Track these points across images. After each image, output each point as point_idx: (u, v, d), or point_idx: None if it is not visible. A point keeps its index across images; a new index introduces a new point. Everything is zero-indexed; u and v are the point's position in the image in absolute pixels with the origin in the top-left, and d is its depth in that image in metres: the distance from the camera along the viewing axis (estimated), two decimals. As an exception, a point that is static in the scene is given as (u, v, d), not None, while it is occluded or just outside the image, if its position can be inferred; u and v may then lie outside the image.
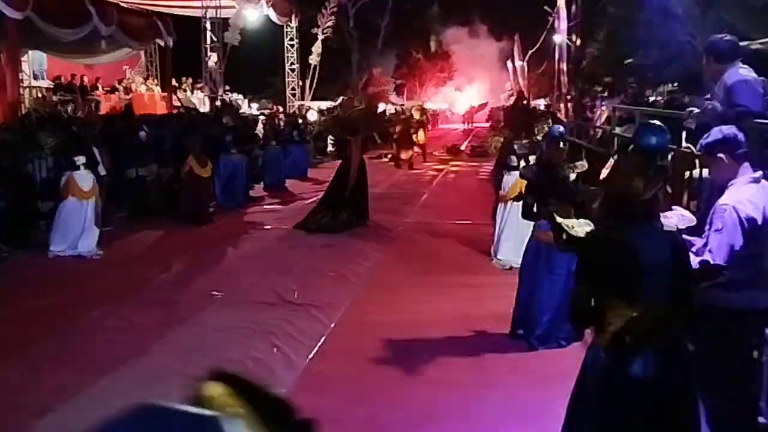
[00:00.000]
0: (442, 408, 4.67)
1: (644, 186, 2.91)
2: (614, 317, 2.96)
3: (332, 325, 6.32)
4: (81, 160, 9.08)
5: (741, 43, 5.30)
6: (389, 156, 21.01)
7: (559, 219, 3.97)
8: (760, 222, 3.58)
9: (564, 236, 3.30)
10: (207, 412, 0.88)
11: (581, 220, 3.27)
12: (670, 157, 5.74)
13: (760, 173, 3.80)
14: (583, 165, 6.47)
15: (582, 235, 3.14)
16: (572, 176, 6.09)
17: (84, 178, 9.09)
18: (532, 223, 5.91)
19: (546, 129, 8.04)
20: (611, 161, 3.45)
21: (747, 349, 3.94)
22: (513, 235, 8.09)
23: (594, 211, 3.30)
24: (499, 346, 5.77)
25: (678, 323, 3.01)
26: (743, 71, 4.96)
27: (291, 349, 5.71)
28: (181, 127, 12.50)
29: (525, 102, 18.62)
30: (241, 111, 21.99)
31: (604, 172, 3.33)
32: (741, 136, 3.86)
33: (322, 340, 5.94)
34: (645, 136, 3.23)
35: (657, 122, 3.68)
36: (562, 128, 6.65)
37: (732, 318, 3.68)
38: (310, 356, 5.58)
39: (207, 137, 12.37)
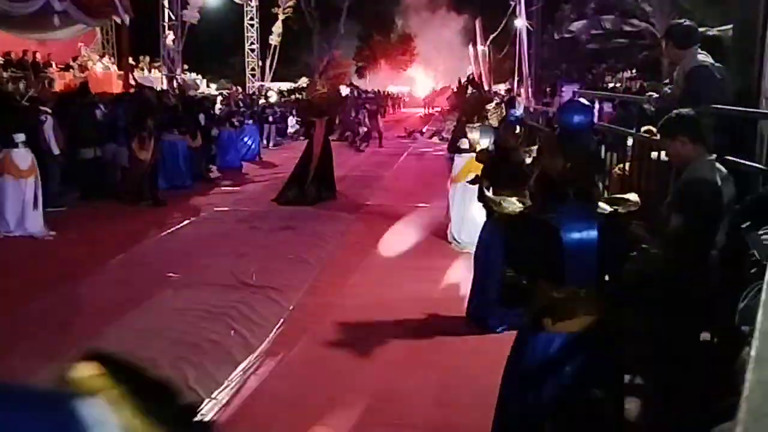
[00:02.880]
0: (402, 391, 4.66)
1: (564, 164, 2.84)
2: (538, 298, 2.94)
3: (291, 308, 6.27)
4: (20, 137, 8.80)
5: (699, 29, 5.35)
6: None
7: (487, 194, 3.95)
8: (716, 204, 3.63)
9: (495, 213, 3.24)
10: (63, 392, 0.79)
11: (513, 198, 3.19)
12: (630, 141, 5.80)
13: (714, 156, 3.86)
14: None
15: (508, 211, 3.07)
16: (528, 160, 6.11)
17: (21, 157, 8.82)
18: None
19: (500, 114, 8.09)
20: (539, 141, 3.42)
21: (693, 331, 4.00)
22: (468, 217, 8.12)
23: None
24: (459, 328, 5.77)
25: (602, 307, 2.93)
26: (701, 56, 5.01)
27: (249, 332, 5.64)
28: (135, 107, 12.21)
29: (478, 86, 18.72)
30: (200, 91, 21.67)
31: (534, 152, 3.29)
32: (699, 119, 3.90)
33: (281, 322, 5.89)
34: (566, 113, 3.16)
35: (581, 100, 3.65)
36: (518, 112, 6.74)
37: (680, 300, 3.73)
38: (268, 339, 5.52)
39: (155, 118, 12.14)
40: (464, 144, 8.40)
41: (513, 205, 3.02)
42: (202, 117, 14.80)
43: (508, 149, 5.99)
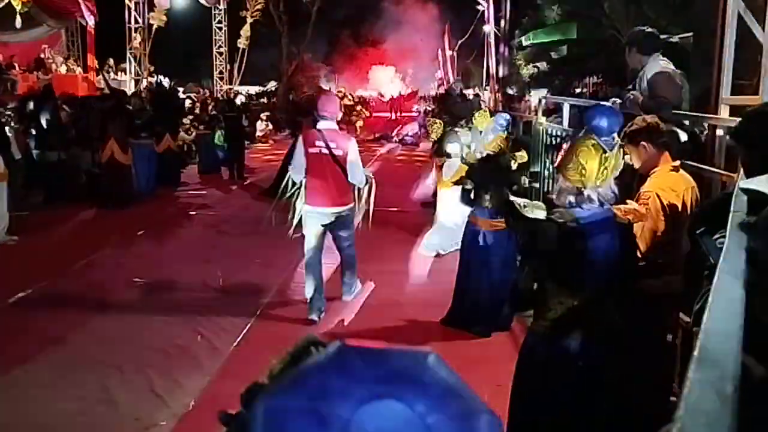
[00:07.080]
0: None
1: (597, 169, 2.83)
2: (555, 304, 2.92)
3: (257, 312, 6.24)
4: None
5: (661, 36, 5.45)
6: None
7: (512, 197, 3.93)
8: (680, 209, 3.70)
9: (513, 216, 3.17)
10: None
11: (535, 202, 3.17)
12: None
13: (678, 162, 3.93)
14: (522, 156, 6.54)
15: (533, 215, 3.04)
16: (513, 165, 6.15)
17: None
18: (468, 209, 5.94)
19: (479, 117, 8.11)
20: (565, 146, 3.36)
21: (662, 332, 4.07)
22: (444, 222, 8.16)
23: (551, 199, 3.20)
24: (429, 332, 5.77)
25: (617, 311, 2.93)
26: (663, 63, 5.11)
27: (215, 336, 5.61)
28: (107, 110, 12.04)
29: (460, 91, 18.77)
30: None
31: (558, 158, 3.23)
32: (662, 125, 3.97)
33: (247, 327, 5.86)
34: (595, 118, 3.16)
35: (608, 104, 3.64)
36: (508, 116, 6.74)
37: (648, 302, 3.79)
38: (235, 343, 5.50)
39: (130, 121, 12.03)
40: (454, 149, 8.34)
41: (539, 209, 2.99)
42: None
43: (496, 153, 6.02)
